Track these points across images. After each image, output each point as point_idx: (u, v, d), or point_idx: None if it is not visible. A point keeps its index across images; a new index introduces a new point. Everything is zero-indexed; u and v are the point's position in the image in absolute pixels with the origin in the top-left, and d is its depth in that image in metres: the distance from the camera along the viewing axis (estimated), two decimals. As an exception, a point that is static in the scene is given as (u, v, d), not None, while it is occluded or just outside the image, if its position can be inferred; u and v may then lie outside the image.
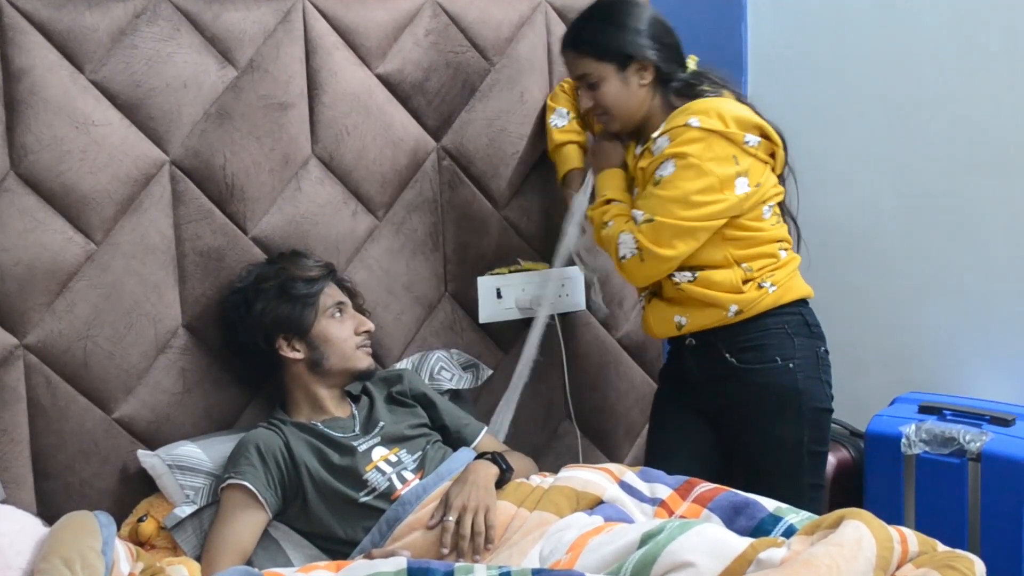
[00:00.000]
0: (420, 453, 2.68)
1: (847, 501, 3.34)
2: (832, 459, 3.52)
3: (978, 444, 3.18)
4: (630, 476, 2.62)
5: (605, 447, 3.48)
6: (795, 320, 2.88)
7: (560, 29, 3.28)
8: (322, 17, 2.88)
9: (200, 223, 2.75)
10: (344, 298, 2.75)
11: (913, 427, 3.30)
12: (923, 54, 3.55)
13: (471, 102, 3.15)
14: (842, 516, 2.23)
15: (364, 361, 2.72)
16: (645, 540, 2.17)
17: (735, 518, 2.38)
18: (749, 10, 3.96)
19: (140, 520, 2.60)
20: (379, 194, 3.00)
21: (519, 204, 3.25)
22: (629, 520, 2.43)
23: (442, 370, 3.02)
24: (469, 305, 3.18)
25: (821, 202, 3.85)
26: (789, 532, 2.34)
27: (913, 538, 2.26)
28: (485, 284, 3.19)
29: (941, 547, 2.29)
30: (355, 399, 2.79)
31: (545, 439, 3.37)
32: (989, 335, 3.53)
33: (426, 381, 2.96)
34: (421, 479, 2.61)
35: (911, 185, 3.63)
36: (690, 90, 2.87)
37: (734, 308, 2.81)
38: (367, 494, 2.56)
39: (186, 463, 2.64)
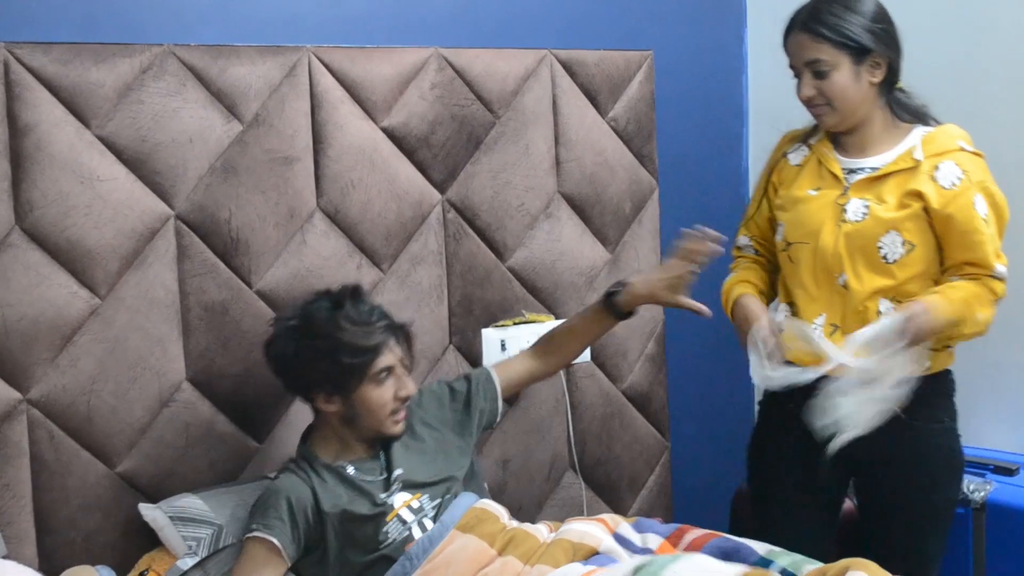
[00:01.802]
0: (439, 501, 2.64)
1: (850, 551, 3.32)
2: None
3: (982, 494, 3.19)
4: (624, 527, 2.64)
5: (609, 498, 3.47)
6: (951, 378, 2.83)
7: (566, 82, 3.31)
8: (328, 71, 2.90)
9: (205, 277, 2.75)
10: (395, 360, 2.61)
11: (918, 478, 3.29)
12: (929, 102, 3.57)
13: (476, 155, 3.16)
14: (847, 566, 2.27)
15: (396, 429, 2.63)
16: (637, 571, 2.22)
17: (727, 561, 2.40)
18: (749, 62, 3.98)
19: (142, 574, 2.59)
20: (384, 247, 3.01)
21: (524, 256, 3.25)
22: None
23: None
24: (474, 357, 3.18)
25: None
26: (785, 573, 2.35)
27: (917, 591, 2.27)
28: (490, 336, 3.19)
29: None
30: None
31: (549, 489, 3.37)
32: (992, 385, 3.54)
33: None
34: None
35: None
36: (917, 111, 2.78)
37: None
38: (386, 546, 2.54)
39: (188, 514, 2.63)
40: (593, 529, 2.58)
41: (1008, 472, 3.24)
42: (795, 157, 2.90)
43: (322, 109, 2.89)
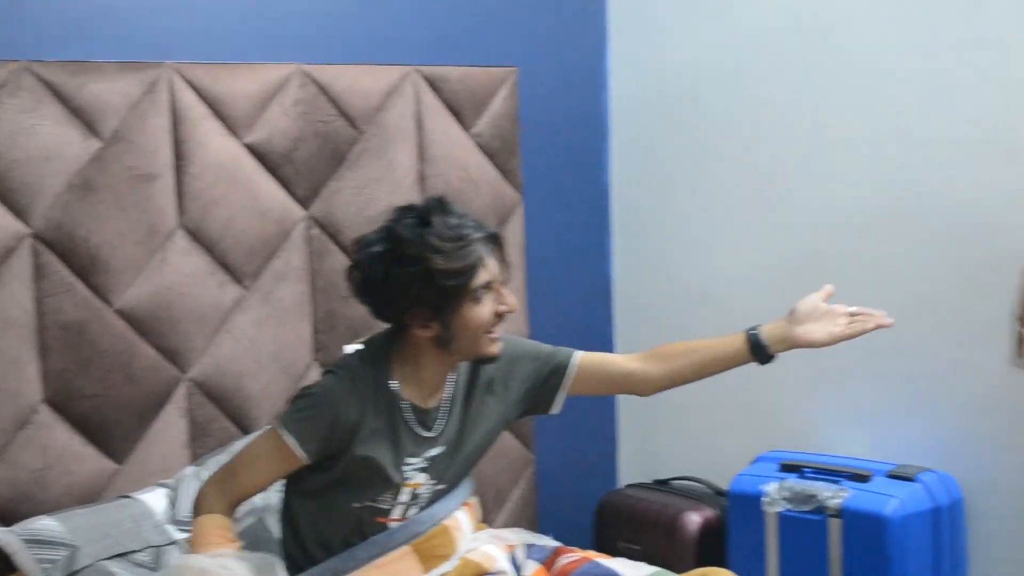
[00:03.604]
0: (437, 496, 2.54)
1: (711, 560, 3.41)
2: (697, 518, 3.61)
3: (837, 500, 3.26)
4: (520, 549, 2.66)
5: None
6: None
7: (429, 98, 3.32)
8: (189, 87, 2.87)
9: (62, 296, 2.70)
10: (493, 275, 2.41)
11: (774, 485, 3.38)
12: (781, 119, 3.67)
13: (340, 171, 3.16)
14: (703, 575, 2.30)
15: (492, 348, 2.46)
16: None
17: None
18: (611, 79, 4.04)
19: (-5, 600, 2.55)
20: (246, 264, 2.99)
21: (387, 272, 3.26)
22: None
23: None
24: (338, 373, 3.18)
25: (682, 265, 3.94)
26: None
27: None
28: (353, 352, 3.19)
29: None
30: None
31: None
32: (845, 394, 3.62)
33: None
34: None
35: (770, 247, 3.72)
36: None
37: None
38: (372, 508, 2.46)
39: (43, 536, 2.56)
40: (494, 550, 2.59)
41: (863, 479, 3.30)
42: None
43: (183, 126, 2.87)
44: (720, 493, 3.70)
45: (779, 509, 3.35)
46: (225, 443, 2.92)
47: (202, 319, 2.91)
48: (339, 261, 3.15)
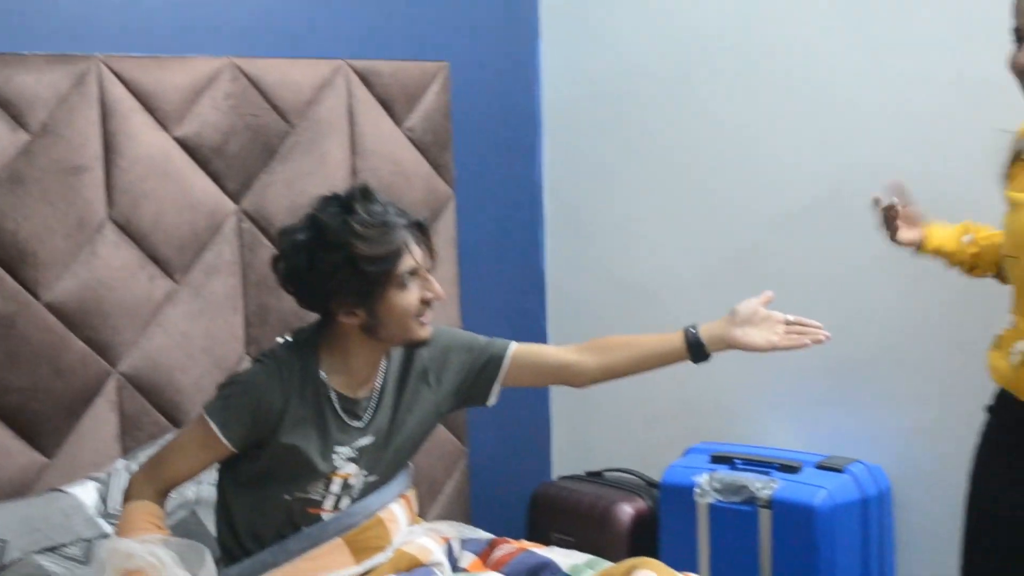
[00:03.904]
0: (370, 487, 2.53)
1: (644, 550, 3.43)
2: (629, 509, 3.64)
3: (768, 491, 3.30)
4: (455, 542, 2.67)
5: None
6: None
7: (361, 92, 3.32)
8: (119, 80, 2.86)
9: (-10, 290, 2.69)
10: (419, 261, 2.43)
11: (706, 476, 3.41)
12: (712, 115, 3.71)
13: (271, 164, 3.15)
14: (633, 566, 2.33)
15: (422, 332, 2.46)
16: None
17: None
18: (543, 73, 4.06)
19: (-74, 596, 2.53)
20: (177, 257, 2.98)
21: (320, 265, 3.25)
22: None
23: None
24: (270, 367, 3.17)
25: (614, 260, 3.97)
26: None
27: (705, 587, 2.36)
28: (286, 346, 3.18)
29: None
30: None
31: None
32: (776, 385, 3.67)
33: None
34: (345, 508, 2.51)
35: (702, 242, 3.76)
36: None
37: None
38: (302, 499, 2.45)
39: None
40: (430, 543, 2.59)
41: (792, 470, 3.34)
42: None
43: (113, 119, 2.85)
44: (652, 484, 3.73)
45: (710, 500, 3.39)
46: (156, 437, 2.90)
47: (133, 313, 2.90)
48: (271, 254, 3.13)
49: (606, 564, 2.52)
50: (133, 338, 2.90)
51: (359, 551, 2.48)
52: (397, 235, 2.38)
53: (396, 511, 2.58)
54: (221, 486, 2.52)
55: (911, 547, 3.40)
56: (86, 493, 2.72)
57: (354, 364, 2.48)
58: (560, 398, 4.14)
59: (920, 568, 3.40)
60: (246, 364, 3.11)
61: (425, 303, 2.44)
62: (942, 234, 2.77)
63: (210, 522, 2.69)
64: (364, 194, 2.42)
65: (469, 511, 3.65)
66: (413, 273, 2.41)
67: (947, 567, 3.22)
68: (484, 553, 2.64)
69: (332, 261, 2.35)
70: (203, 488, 2.78)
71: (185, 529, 2.69)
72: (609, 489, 3.76)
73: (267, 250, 3.14)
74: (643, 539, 3.61)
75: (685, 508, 3.43)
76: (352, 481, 2.49)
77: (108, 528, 2.65)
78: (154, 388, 2.95)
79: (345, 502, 2.50)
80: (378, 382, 2.53)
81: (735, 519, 3.35)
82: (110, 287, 2.85)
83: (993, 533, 2.63)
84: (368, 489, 2.53)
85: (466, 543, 2.68)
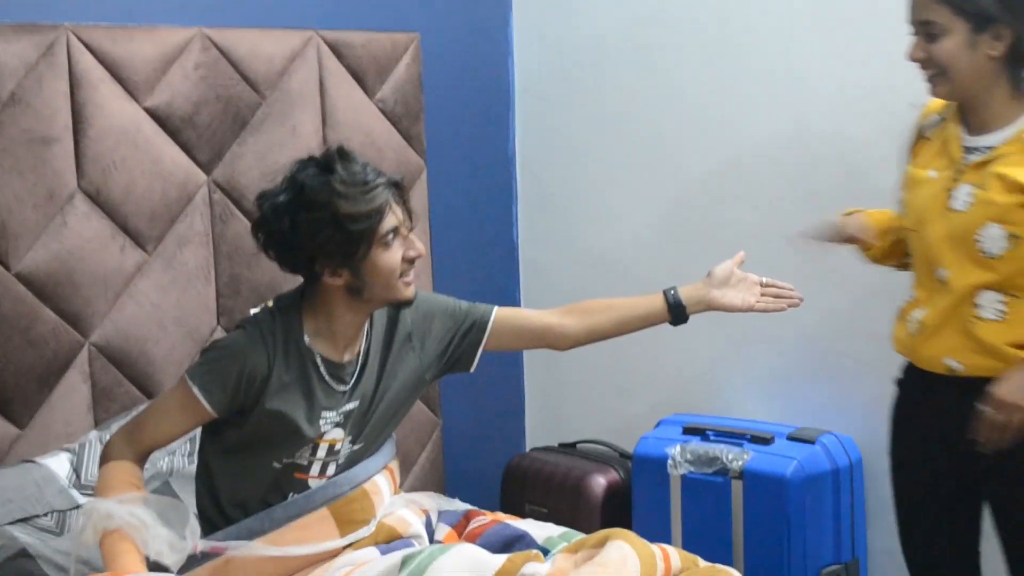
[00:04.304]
0: (356, 455, 2.53)
1: (616, 521, 3.43)
2: (602, 480, 3.65)
3: (740, 463, 3.31)
4: (433, 513, 2.67)
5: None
6: None
7: (333, 63, 3.31)
8: (87, 50, 2.83)
9: (-40, 261, 2.67)
10: (400, 220, 2.41)
11: (678, 448, 3.42)
12: (681, 87, 3.72)
13: (242, 135, 3.14)
14: (607, 536, 2.33)
15: (406, 292, 2.45)
16: (407, 561, 2.23)
17: (507, 551, 2.42)
18: (515, 44, 4.06)
19: None
20: (148, 228, 2.97)
21: (292, 237, 3.24)
22: None
23: None
24: (243, 338, 3.16)
25: (586, 231, 3.98)
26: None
27: (675, 555, 2.37)
28: (258, 317, 3.18)
29: (702, 562, 2.41)
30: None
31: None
32: (747, 357, 3.69)
33: None
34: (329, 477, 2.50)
35: (672, 213, 3.78)
36: None
37: None
38: (289, 464, 2.44)
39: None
40: (409, 515, 2.59)
41: (764, 441, 3.36)
42: (929, 129, 2.66)
43: (82, 89, 2.83)
44: (625, 456, 3.75)
45: (683, 471, 3.40)
46: (128, 407, 2.90)
47: (104, 284, 2.88)
48: (242, 225, 3.14)
49: (580, 536, 2.53)
50: (105, 309, 2.89)
51: (344, 523, 2.47)
52: (379, 193, 2.36)
53: (381, 483, 2.57)
54: (204, 454, 2.50)
55: (881, 517, 3.42)
56: (58, 464, 2.71)
57: (338, 327, 2.46)
58: (533, 370, 4.15)
59: (890, 537, 3.40)
60: (219, 334, 3.10)
61: (409, 262, 2.43)
62: (879, 216, 2.81)
63: (184, 493, 2.69)
64: (342, 154, 2.41)
65: (443, 483, 3.66)
66: (395, 232, 2.40)
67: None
68: (459, 525, 2.65)
69: (315, 220, 2.33)
70: (176, 459, 2.78)
71: (159, 500, 2.68)
72: (582, 460, 3.77)
73: (239, 221, 3.13)
74: (616, 510, 3.62)
75: (658, 479, 3.44)
76: (338, 447, 2.48)
77: (81, 499, 2.65)
78: (126, 359, 2.94)
79: (331, 469, 2.49)
80: (362, 346, 2.52)
81: (707, 490, 3.36)
82: (81, 258, 2.84)
83: (918, 498, 2.73)
84: (354, 458, 2.53)
85: (442, 515, 2.68)
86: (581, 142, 3.96)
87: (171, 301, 3.02)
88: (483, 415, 4.03)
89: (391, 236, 2.39)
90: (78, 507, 2.62)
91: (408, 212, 2.46)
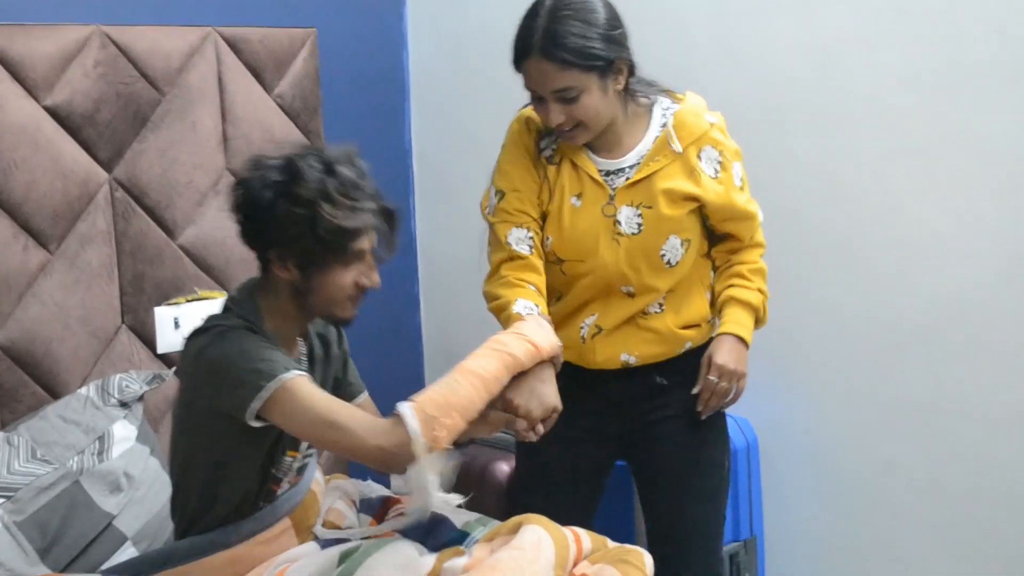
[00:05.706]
0: (311, 452, 2.51)
1: (520, 508, 3.50)
2: (505, 468, 3.69)
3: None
4: (358, 501, 2.70)
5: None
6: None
7: (231, 59, 3.32)
8: (-16, 49, 2.82)
9: None
10: (369, 246, 2.35)
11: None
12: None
13: (143, 133, 3.13)
14: (520, 522, 2.39)
15: (348, 313, 2.39)
16: (343, 558, 2.26)
17: (427, 538, 2.46)
18: (410, 39, 4.09)
19: None
20: (51, 228, 2.95)
21: (195, 234, 3.25)
22: None
23: (128, 385, 2.96)
24: (147, 336, 3.16)
25: (484, 223, 4.02)
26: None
27: (586, 537, 2.44)
28: (163, 315, 3.18)
29: (611, 543, 2.48)
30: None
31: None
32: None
33: (115, 398, 2.87)
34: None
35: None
36: (648, 83, 2.65)
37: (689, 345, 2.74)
38: (275, 470, 2.41)
39: None
40: (343, 506, 2.62)
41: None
42: (547, 151, 2.70)
43: (-20, 88, 2.82)
44: (526, 442, 3.79)
45: (585, 456, 3.45)
46: (35, 408, 2.88)
47: (7, 284, 2.87)
48: (145, 223, 3.14)
49: (495, 522, 2.58)
50: (8, 309, 2.88)
51: (302, 531, 2.48)
52: (365, 215, 2.31)
53: (319, 477, 2.60)
54: (192, 445, 2.40)
55: (777, 498, 3.51)
56: (-35, 465, 2.69)
57: (288, 318, 2.40)
58: (433, 359, 4.19)
59: (785, 517, 3.52)
60: (123, 334, 3.10)
61: (359, 288, 2.38)
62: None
63: (94, 492, 2.68)
64: (350, 160, 2.35)
65: (347, 464, 3.68)
66: (361, 256, 2.35)
67: (811, 517, 3.36)
68: (379, 514, 2.67)
69: (293, 211, 2.27)
70: (86, 458, 2.77)
71: (70, 499, 2.67)
72: (485, 449, 3.81)
73: (141, 219, 3.13)
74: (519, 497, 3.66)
75: (559, 464, 3.49)
76: (298, 457, 2.48)
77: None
78: (31, 359, 2.92)
79: (294, 478, 2.49)
80: (302, 351, 2.49)
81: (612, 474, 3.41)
82: (-18, 258, 2.82)
83: (564, 466, 2.87)
84: (304, 464, 2.53)
85: (361, 503, 2.71)
86: (477, 133, 3.98)
87: (75, 300, 3.00)
88: (383, 404, 4.04)
89: (354, 257, 2.33)
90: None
91: (390, 245, 2.41)
